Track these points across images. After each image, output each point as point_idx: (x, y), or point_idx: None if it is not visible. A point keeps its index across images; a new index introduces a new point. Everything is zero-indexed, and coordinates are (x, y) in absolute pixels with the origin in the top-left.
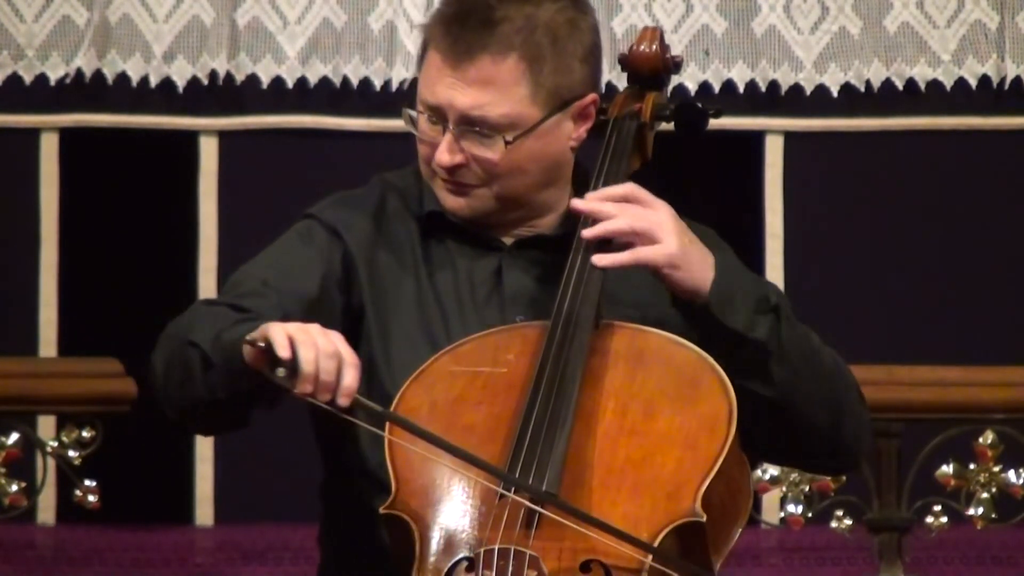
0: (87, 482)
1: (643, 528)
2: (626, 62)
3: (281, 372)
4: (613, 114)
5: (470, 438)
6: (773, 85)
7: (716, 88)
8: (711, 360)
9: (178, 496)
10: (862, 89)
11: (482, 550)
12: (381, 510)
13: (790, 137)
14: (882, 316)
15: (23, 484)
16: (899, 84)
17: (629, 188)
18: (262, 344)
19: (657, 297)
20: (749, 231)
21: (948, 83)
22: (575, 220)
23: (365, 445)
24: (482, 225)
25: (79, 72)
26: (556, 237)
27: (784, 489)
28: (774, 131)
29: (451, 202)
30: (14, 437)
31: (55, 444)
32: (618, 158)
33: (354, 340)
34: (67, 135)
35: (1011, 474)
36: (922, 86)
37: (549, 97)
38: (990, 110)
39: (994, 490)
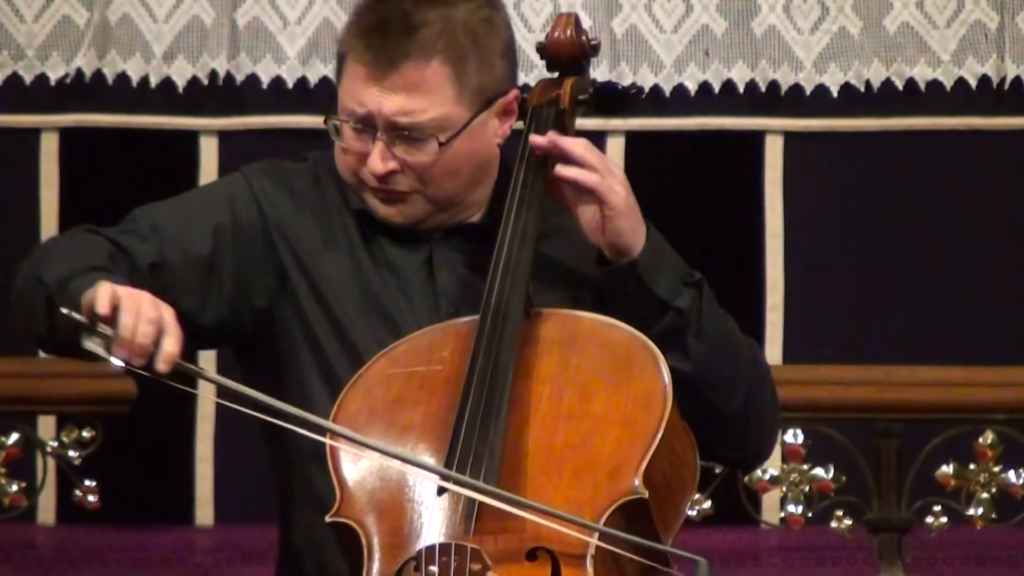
0: (87, 482)
1: (587, 510)
2: (544, 50)
3: (99, 336)
4: (532, 103)
5: (410, 438)
6: (773, 85)
7: (716, 88)
8: (644, 338)
9: (178, 496)
10: (862, 89)
11: (423, 547)
12: (327, 519)
13: (790, 137)
14: (882, 316)
15: (23, 484)
16: (899, 84)
17: (584, 143)
18: (78, 318)
19: (580, 264)
20: (749, 231)
21: (948, 83)
22: (500, 210)
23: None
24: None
25: (79, 72)
26: (481, 226)
27: (784, 489)
28: (774, 131)
29: (383, 211)
30: (14, 437)
31: (55, 444)
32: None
33: (279, 314)
34: (67, 135)
35: (1011, 474)
36: (922, 86)
37: (474, 96)
38: (990, 110)
39: (994, 490)
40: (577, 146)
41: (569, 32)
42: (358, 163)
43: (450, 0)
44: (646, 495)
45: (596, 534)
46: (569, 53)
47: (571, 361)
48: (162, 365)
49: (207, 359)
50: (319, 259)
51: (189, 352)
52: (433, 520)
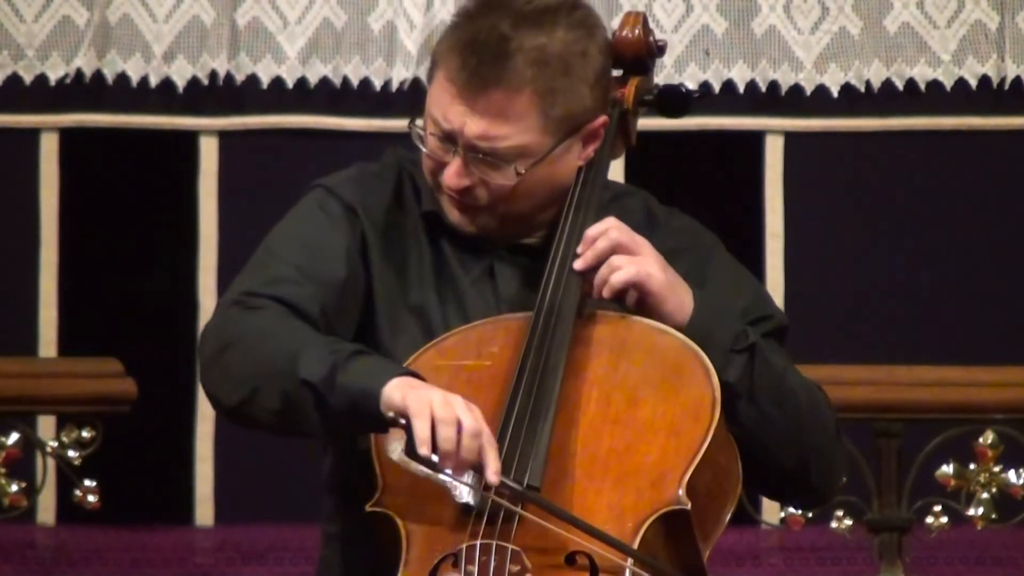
0: (87, 482)
1: (628, 518)
2: (611, 49)
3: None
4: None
5: None
6: (773, 85)
7: (716, 88)
8: (694, 347)
9: (178, 496)
10: (862, 89)
11: (464, 546)
12: (367, 507)
13: (790, 137)
14: (882, 316)
15: (23, 484)
16: (899, 84)
17: (611, 226)
18: (403, 422)
19: None
20: (749, 231)
21: (948, 83)
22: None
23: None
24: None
25: (79, 72)
26: (540, 245)
27: None
28: (774, 131)
29: (455, 217)
30: (14, 437)
31: (55, 444)
32: (601, 145)
33: (368, 319)
34: (67, 135)
35: (1011, 474)
36: (922, 86)
37: (560, 125)
38: (990, 110)
39: (994, 490)
40: (613, 232)
41: (637, 31)
42: (437, 167)
43: (548, 26)
44: (688, 506)
45: (635, 546)
46: (635, 52)
47: (621, 365)
48: (494, 477)
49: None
50: (393, 264)
51: None
52: (475, 518)
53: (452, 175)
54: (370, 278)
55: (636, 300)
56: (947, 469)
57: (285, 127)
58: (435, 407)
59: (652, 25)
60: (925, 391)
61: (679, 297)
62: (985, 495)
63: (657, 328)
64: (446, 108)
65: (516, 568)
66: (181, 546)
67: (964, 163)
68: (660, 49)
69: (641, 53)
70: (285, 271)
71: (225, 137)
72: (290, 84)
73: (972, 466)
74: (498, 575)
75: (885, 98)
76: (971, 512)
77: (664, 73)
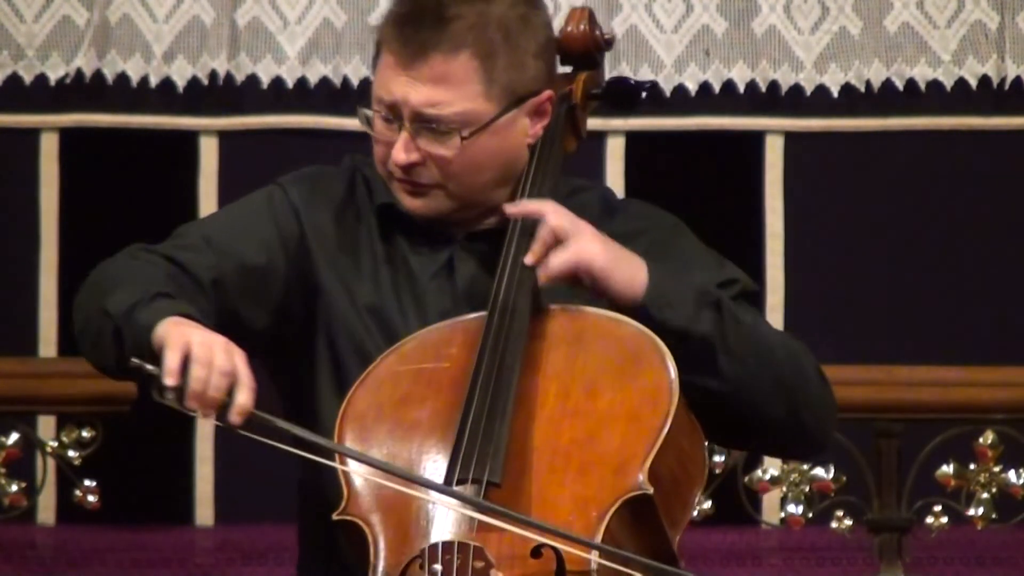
0: (87, 482)
1: (592, 507)
2: (556, 44)
3: (170, 390)
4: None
5: (416, 435)
6: (773, 85)
7: (716, 88)
8: (650, 333)
9: (178, 496)
10: (862, 89)
11: (427, 545)
12: (334, 516)
13: (790, 137)
14: (882, 316)
15: (23, 484)
16: (899, 84)
17: (546, 211)
18: (151, 369)
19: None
20: (749, 231)
21: (948, 83)
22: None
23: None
24: (435, 221)
25: (79, 72)
26: (500, 230)
27: (784, 489)
28: (774, 131)
29: (408, 202)
30: (14, 437)
31: (55, 444)
32: (550, 140)
33: (311, 321)
34: (67, 135)
35: (1011, 474)
36: (922, 86)
37: (503, 93)
38: (990, 110)
39: (994, 490)
40: (551, 217)
41: (583, 26)
42: (387, 152)
43: None
44: (651, 491)
45: (599, 537)
46: (582, 47)
47: (578, 357)
48: (236, 418)
49: None
50: (343, 265)
51: None
52: (438, 518)
53: (399, 150)
54: (316, 278)
55: (589, 281)
56: (947, 469)
57: (285, 127)
58: (193, 345)
59: (652, 25)
60: (925, 391)
61: (628, 271)
62: (985, 495)
63: (612, 318)
64: (389, 81)
65: (480, 564)
66: (181, 546)
67: (964, 163)
68: (608, 43)
69: (588, 47)
70: (194, 239)
71: (225, 137)
72: (290, 84)
73: (972, 466)
74: (463, 572)
75: (885, 98)
76: (971, 512)
77: (664, 73)
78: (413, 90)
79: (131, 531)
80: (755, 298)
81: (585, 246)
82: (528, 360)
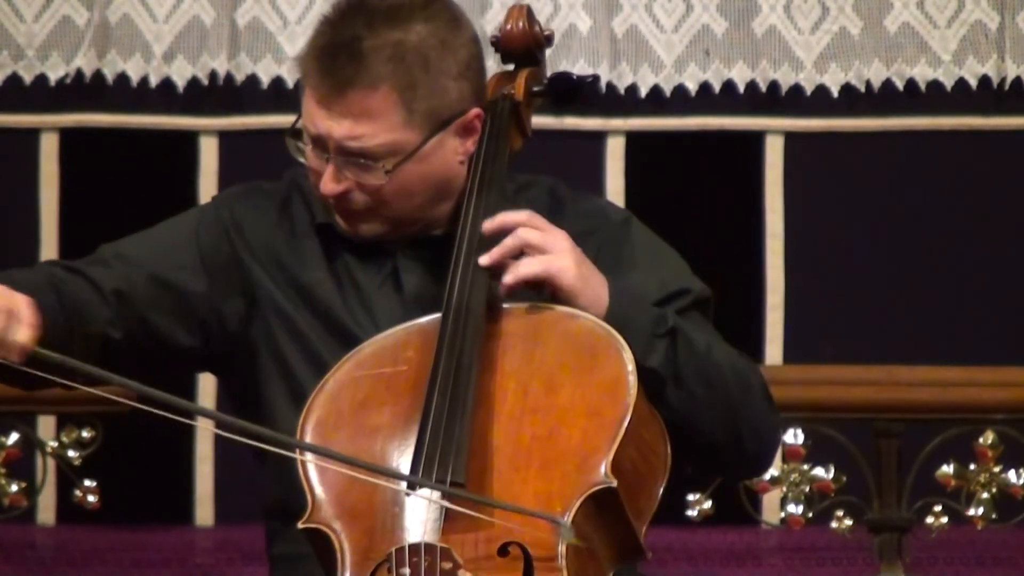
0: (87, 482)
1: (556, 503)
2: (497, 43)
3: None
4: (487, 97)
5: (378, 439)
6: (773, 85)
7: (716, 88)
8: (607, 327)
9: (178, 496)
10: (862, 89)
11: (393, 549)
12: (300, 525)
13: (790, 137)
14: (882, 316)
15: (23, 484)
16: (899, 84)
17: (522, 222)
18: None
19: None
20: (749, 231)
21: (948, 83)
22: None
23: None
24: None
25: (79, 72)
26: (446, 237)
27: (784, 489)
28: (774, 131)
29: (345, 227)
30: (14, 437)
31: (55, 444)
32: (495, 139)
33: (251, 336)
34: (67, 135)
35: (1011, 474)
36: (922, 86)
37: (425, 120)
38: (990, 110)
39: (994, 490)
40: (522, 231)
41: (521, 24)
42: (319, 180)
43: (403, 21)
44: (615, 484)
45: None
46: (522, 45)
47: (536, 354)
48: (13, 356)
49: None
50: (284, 278)
51: (170, 379)
52: (404, 521)
53: (327, 181)
54: (254, 292)
55: (551, 294)
56: (947, 469)
57: (285, 127)
58: None
59: (652, 25)
60: (925, 391)
61: (593, 291)
62: (985, 495)
63: (569, 313)
64: (313, 115)
65: (448, 565)
66: (181, 546)
67: (964, 163)
68: (548, 39)
69: (529, 44)
70: (107, 255)
71: (225, 137)
72: (290, 84)
73: (972, 466)
74: (431, 574)
75: (885, 98)
76: (971, 512)
77: (664, 73)
78: (335, 124)
79: (131, 531)
80: (708, 306)
81: (557, 261)
82: (486, 359)
